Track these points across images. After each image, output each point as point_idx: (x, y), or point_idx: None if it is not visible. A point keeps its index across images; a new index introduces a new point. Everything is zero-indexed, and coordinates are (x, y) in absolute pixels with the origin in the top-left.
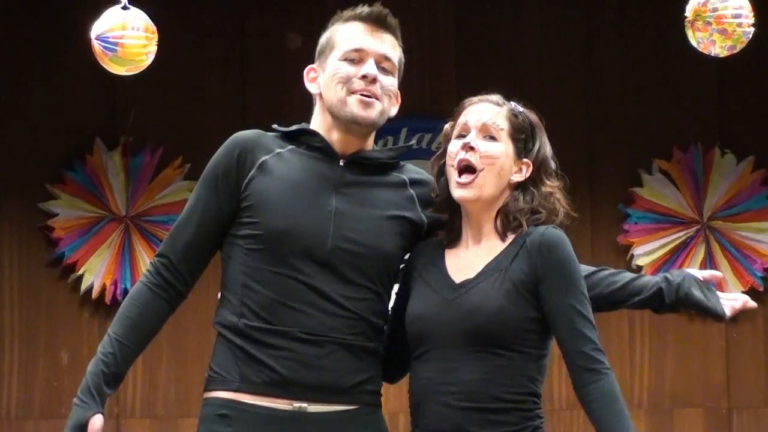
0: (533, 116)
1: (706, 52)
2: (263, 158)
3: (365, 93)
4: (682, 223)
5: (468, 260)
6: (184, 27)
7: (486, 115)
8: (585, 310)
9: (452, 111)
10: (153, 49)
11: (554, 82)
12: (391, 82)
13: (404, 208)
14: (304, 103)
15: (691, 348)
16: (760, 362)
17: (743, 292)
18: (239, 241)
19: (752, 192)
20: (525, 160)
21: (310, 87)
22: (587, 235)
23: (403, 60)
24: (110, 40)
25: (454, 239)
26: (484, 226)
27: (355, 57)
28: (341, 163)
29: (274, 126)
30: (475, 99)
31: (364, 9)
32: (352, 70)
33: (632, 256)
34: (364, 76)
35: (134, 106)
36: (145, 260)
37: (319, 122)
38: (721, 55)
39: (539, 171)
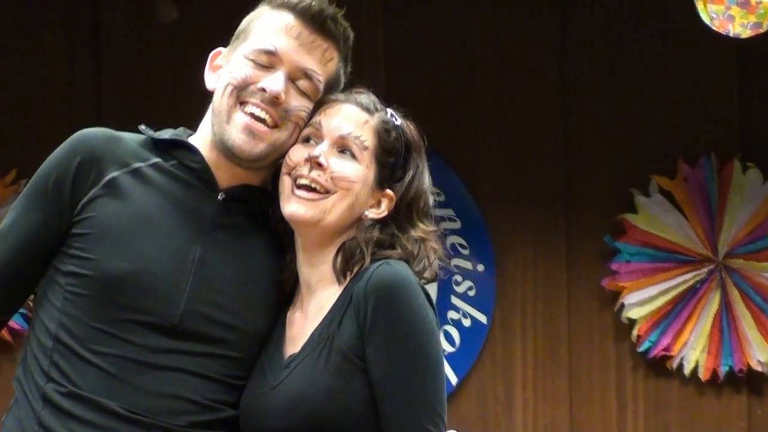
0: (412, 133)
1: (722, 31)
2: (113, 174)
3: (257, 114)
4: (690, 261)
5: (301, 322)
6: None
7: (348, 124)
8: (417, 386)
9: None
10: None
11: (518, 77)
12: (303, 107)
13: None
14: (179, 97)
15: (702, 431)
16: None
17: None
18: (60, 279)
19: None
20: (387, 191)
21: (208, 79)
22: (561, 278)
23: (341, 80)
24: None
25: (288, 284)
26: (319, 265)
27: (265, 61)
28: (220, 197)
29: (142, 127)
30: (341, 96)
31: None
32: (253, 74)
33: (622, 306)
34: (262, 89)
35: None
36: None
37: (204, 133)
38: (742, 36)
39: (408, 209)
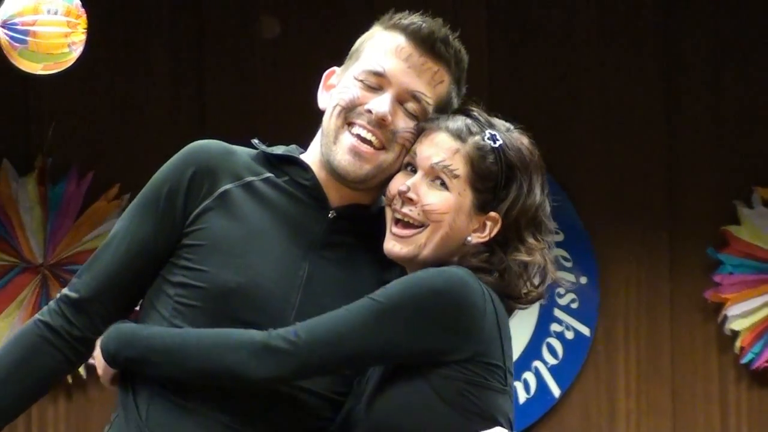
0: (518, 150)
1: None
2: (226, 186)
3: (363, 136)
4: None
5: None
6: (120, 11)
7: (438, 153)
8: (362, 311)
9: None
10: (79, 39)
11: (622, 90)
12: (411, 129)
13: None
14: (283, 114)
15: None
16: None
17: None
18: (170, 290)
19: None
20: (491, 213)
21: (321, 98)
22: (665, 289)
23: (453, 102)
24: (19, 27)
25: None
26: None
27: (373, 82)
28: (330, 215)
29: (255, 141)
30: (434, 123)
31: (414, 21)
32: (361, 95)
33: (725, 318)
34: (369, 111)
35: (54, 117)
36: None
37: (314, 152)
38: None
39: (517, 228)
